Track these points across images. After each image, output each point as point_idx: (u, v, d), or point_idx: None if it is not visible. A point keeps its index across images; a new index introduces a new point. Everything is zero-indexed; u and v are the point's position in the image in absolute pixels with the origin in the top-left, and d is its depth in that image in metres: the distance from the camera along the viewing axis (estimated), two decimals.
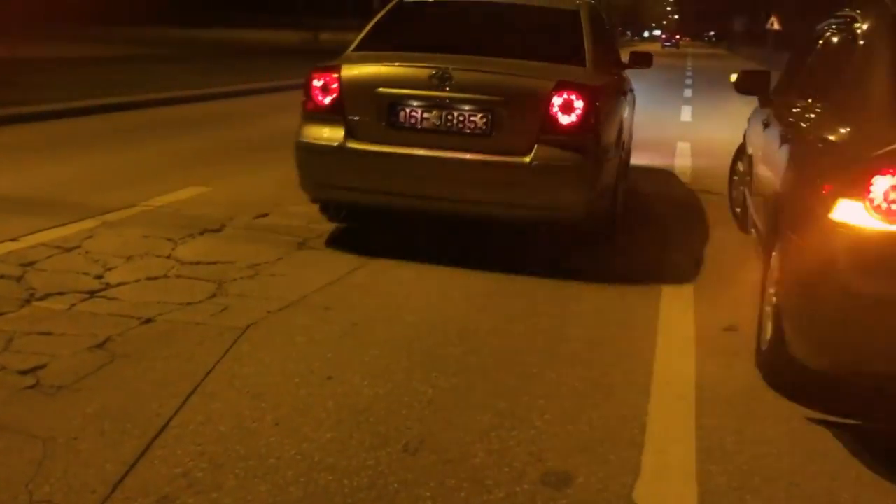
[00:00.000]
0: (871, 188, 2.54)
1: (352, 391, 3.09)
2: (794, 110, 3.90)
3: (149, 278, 4.23)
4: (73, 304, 3.80)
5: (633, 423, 2.95)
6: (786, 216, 3.22)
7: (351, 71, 4.92)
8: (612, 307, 4.22)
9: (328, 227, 5.40)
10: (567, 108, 4.58)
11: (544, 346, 3.65)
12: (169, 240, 4.89)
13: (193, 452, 2.59)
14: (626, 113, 6.27)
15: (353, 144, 4.78)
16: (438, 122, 4.70)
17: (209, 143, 8.63)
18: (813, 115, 3.47)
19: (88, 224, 5.12)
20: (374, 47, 5.31)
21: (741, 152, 6.19)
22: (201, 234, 5.09)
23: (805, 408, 3.13)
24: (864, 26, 3.41)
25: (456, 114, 4.67)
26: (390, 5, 5.78)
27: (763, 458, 2.77)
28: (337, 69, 4.92)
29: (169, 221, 5.31)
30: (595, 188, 4.78)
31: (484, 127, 4.66)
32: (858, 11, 3.58)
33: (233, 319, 3.72)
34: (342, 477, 2.50)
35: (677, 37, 51.48)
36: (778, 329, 3.14)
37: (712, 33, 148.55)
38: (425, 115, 4.71)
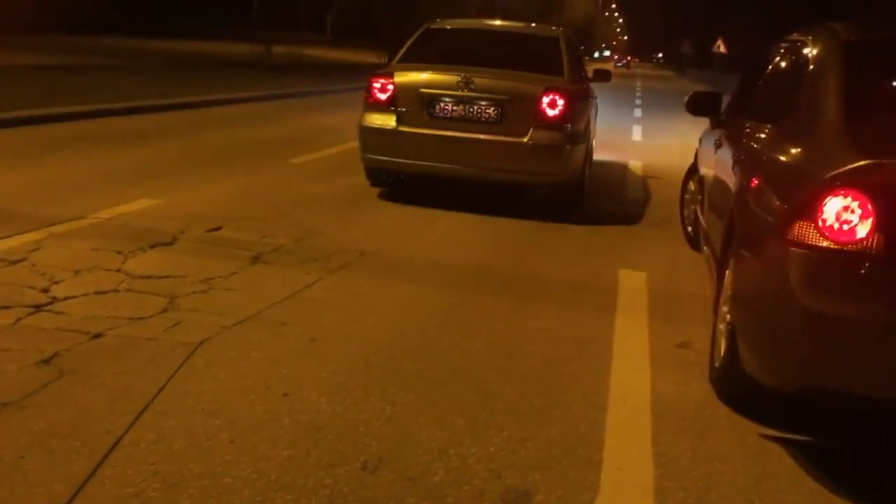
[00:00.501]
0: (824, 209, 2.60)
1: (309, 408, 3.05)
2: (747, 132, 3.98)
3: (98, 292, 4.12)
4: (19, 318, 3.68)
5: (591, 440, 2.97)
6: (740, 236, 3.28)
7: (401, 77, 6.73)
8: (568, 324, 4.24)
9: (282, 240, 5.35)
10: (552, 105, 6.42)
11: (502, 362, 3.65)
12: (119, 253, 4.78)
13: (146, 472, 2.52)
14: (591, 112, 8.07)
15: (403, 128, 6.61)
16: (464, 113, 6.53)
17: (161, 155, 8.48)
18: (766, 137, 3.54)
19: (35, 236, 4.97)
20: (413, 60, 7.11)
21: (692, 172, 6.29)
22: (152, 247, 4.99)
23: (759, 424, 3.19)
24: (815, 51, 3.50)
25: (475, 107, 6.50)
26: (420, 31, 7.66)
27: (718, 474, 2.81)
28: (391, 75, 6.75)
29: (119, 234, 5.20)
30: (570, 161, 6.66)
31: (495, 117, 6.49)
32: (809, 37, 3.68)
33: (186, 335, 3.65)
34: (300, 496, 2.46)
35: (628, 58, 54.02)
36: (731, 346, 3.19)
37: (660, 55, 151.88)
38: (454, 108, 6.54)
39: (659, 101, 26.84)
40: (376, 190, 7.45)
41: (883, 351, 2.57)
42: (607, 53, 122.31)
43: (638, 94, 31.46)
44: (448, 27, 7.93)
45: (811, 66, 3.41)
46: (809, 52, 3.55)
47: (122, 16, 48.29)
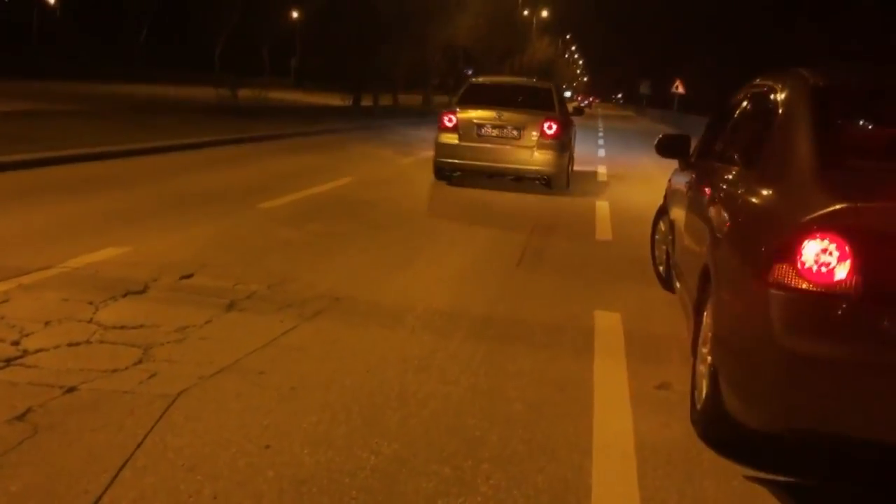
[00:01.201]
0: (802, 252, 2.65)
1: (292, 460, 3.00)
2: (720, 175, 4.05)
3: (70, 344, 4.03)
4: None
5: (577, 486, 2.95)
6: (719, 278, 3.31)
7: (462, 113, 11.15)
8: (547, 367, 4.23)
9: (256, 287, 5.30)
10: (549, 127, 10.78)
11: (484, 408, 3.63)
12: (90, 303, 4.69)
13: None
14: (572, 133, 12.66)
15: (462, 142, 10.90)
16: (498, 133, 10.88)
17: (128, 201, 8.37)
18: (740, 181, 3.61)
19: (2, 287, 4.85)
20: (466, 102, 11.55)
21: (662, 213, 6.38)
22: (124, 296, 4.90)
23: (743, 466, 3.20)
24: (784, 96, 3.59)
25: (504, 130, 10.86)
26: (467, 84, 12.69)
27: None
28: (455, 112, 11.15)
29: (89, 283, 5.11)
30: (560, 162, 11.04)
31: (516, 135, 10.87)
32: (778, 84, 3.77)
33: (162, 386, 3.58)
34: None
35: (591, 98, 56.96)
36: (714, 388, 3.21)
37: (620, 95, 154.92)
38: (492, 130, 10.89)
39: (622, 139, 27.25)
40: (347, 233, 7.47)
41: (864, 391, 2.61)
42: (569, 94, 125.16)
43: (600, 132, 31.97)
44: (485, 82, 13.01)
45: (782, 111, 3.49)
46: (779, 97, 3.64)
47: (86, 61, 48.04)
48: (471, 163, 11.08)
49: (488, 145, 10.98)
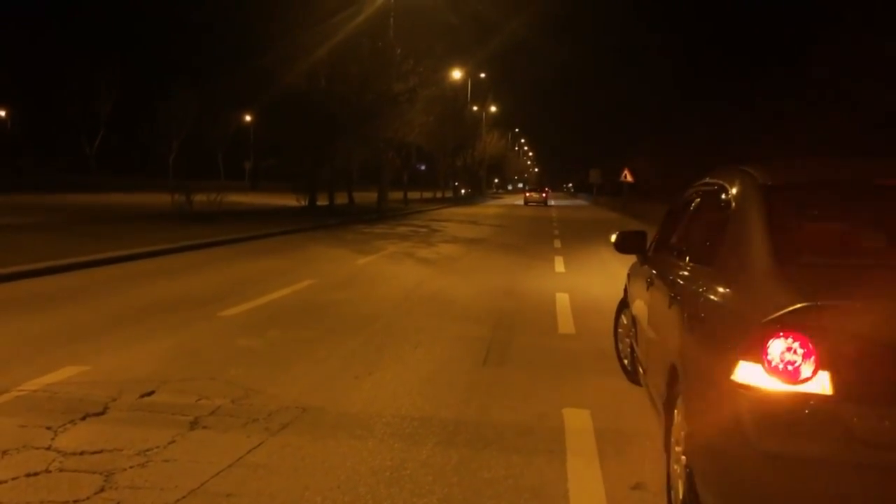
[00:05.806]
0: (768, 351, 2.69)
1: None
2: (680, 272, 4.13)
3: (28, 474, 3.89)
4: None
5: None
6: (688, 378, 3.34)
7: (528, 191, 73.91)
8: (521, 472, 4.18)
9: (220, 402, 5.20)
10: (545, 196, 69.95)
11: None
12: (48, 428, 4.55)
13: None
14: (549, 193, 77.59)
15: (528, 196, 70.27)
16: (534, 195, 69.15)
17: (83, 317, 8.22)
18: (700, 278, 3.68)
19: None
20: (527, 190, 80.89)
21: (623, 306, 6.45)
22: (83, 419, 4.77)
23: None
24: (734, 194, 3.72)
25: (535, 194, 69.92)
26: (526, 186, 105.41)
27: None
28: (526, 191, 79.44)
29: (47, 407, 4.96)
30: (547, 199, 70.05)
31: (537, 196, 68.79)
32: (727, 183, 3.90)
33: None
34: None
35: (546, 189, 73.73)
36: (690, 488, 3.19)
37: (570, 185, 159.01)
38: (533, 195, 69.07)
39: (577, 226, 27.68)
40: (309, 340, 7.39)
41: (838, 489, 2.62)
42: (520, 185, 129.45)
43: (554, 223, 32.50)
44: (528, 186, 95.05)
45: (734, 210, 3.61)
46: (730, 195, 3.77)
47: (36, 172, 47.78)
48: (529, 200, 65.46)
49: (532, 198, 66.36)
